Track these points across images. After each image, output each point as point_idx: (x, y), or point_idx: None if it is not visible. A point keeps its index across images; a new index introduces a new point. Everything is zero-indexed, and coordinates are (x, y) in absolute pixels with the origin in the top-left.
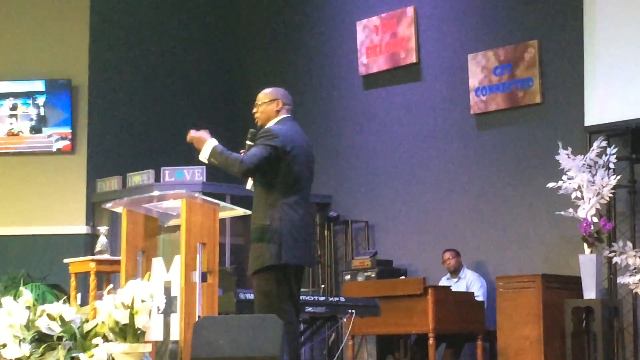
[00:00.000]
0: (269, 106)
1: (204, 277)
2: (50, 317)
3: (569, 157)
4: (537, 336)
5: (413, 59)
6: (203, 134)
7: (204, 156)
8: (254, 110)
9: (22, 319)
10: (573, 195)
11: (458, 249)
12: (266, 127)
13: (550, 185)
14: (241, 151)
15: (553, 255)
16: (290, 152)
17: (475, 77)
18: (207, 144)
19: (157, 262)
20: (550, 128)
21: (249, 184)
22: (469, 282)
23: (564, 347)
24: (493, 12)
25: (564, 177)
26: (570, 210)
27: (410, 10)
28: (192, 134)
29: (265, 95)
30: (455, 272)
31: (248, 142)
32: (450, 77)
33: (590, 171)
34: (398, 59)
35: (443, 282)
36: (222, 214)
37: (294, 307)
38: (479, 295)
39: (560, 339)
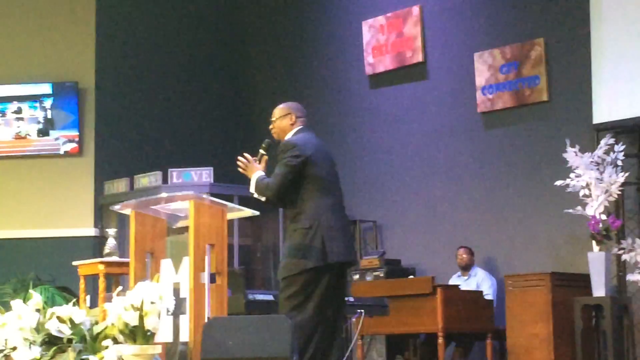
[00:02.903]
0: (284, 120)
1: (212, 278)
2: (60, 320)
3: (576, 155)
4: (547, 334)
5: (419, 58)
6: (254, 164)
7: (252, 189)
8: (270, 126)
9: (32, 322)
10: (581, 193)
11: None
12: (285, 141)
13: (559, 183)
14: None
15: (562, 253)
16: (311, 157)
17: (482, 75)
18: (254, 175)
19: (166, 264)
20: (558, 126)
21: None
22: (479, 281)
23: (574, 345)
24: (499, 10)
25: (572, 175)
26: (579, 208)
27: (416, 10)
28: (246, 163)
29: (279, 110)
30: (466, 269)
31: (261, 151)
32: (456, 75)
33: (598, 169)
34: (404, 58)
35: (454, 279)
36: (230, 215)
37: (336, 309)
38: (489, 294)
39: (570, 337)
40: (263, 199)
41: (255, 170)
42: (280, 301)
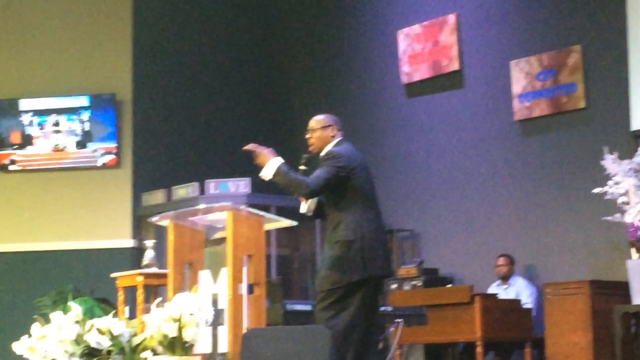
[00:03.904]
0: (324, 132)
1: (250, 289)
2: (100, 332)
3: (614, 162)
4: (586, 343)
5: (455, 66)
6: (269, 151)
7: (267, 174)
8: (308, 136)
9: (72, 334)
10: (620, 200)
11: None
12: (328, 150)
13: (597, 190)
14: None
15: (601, 261)
16: (355, 170)
17: (519, 83)
18: (272, 162)
19: (204, 275)
20: (595, 133)
21: (303, 207)
22: (519, 289)
23: (614, 353)
24: (535, 18)
25: (610, 182)
26: (617, 215)
27: (452, 18)
28: (257, 147)
29: (318, 121)
30: (505, 278)
31: (301, 167)
32: (493, 84)
33: (636, 175)
34: (440, 66)
35: (493, 288)
36: (268, 226)
37: (371, 321)
38: (528, 303)
39: (610, 345)
40: (280, 182)
41: (270, 156)
42: (316, 312)
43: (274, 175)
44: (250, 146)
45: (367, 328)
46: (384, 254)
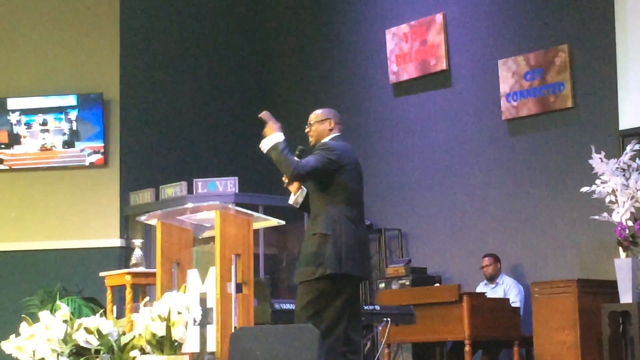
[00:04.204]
0: (322, 125)
1: (239, 288)
2: (88, 331)
3: (602, 161)
4: (574, 342)
5: (443, 65)
6: (278, 126)
7: (265, 146)
8: (307, 129)
9: (60, 333)
10: (607, 199)
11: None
12: (323, 142)
13: (584, 189)
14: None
15: (588, 260)
16: (346, 167)
17: (506, 82)
18: (274, 136)
19: (192, 274)
20: (583, 132)
21: (291, 198)
22: (507, 289)
23: (601, 352)
24: (522, 17)
25: (598, 181)
26: (605, 214)
27: (439, 17)
28: (270, 118)
29: (317, 115)
30: (492, 278)
31: (295, 159)
32: (480, 83)
33: (624, 175)
34: (428, 66)
35: (480, 287)
36: (256, 225)
37: (351, 321)
38: (516, 302)
39: (597, 344)
40: (272, 157)
41: (276, 130)
42: (296, 311)
43: (271, 148)
44: (264, 114)
45: (345, 331)
46: (362, 255)
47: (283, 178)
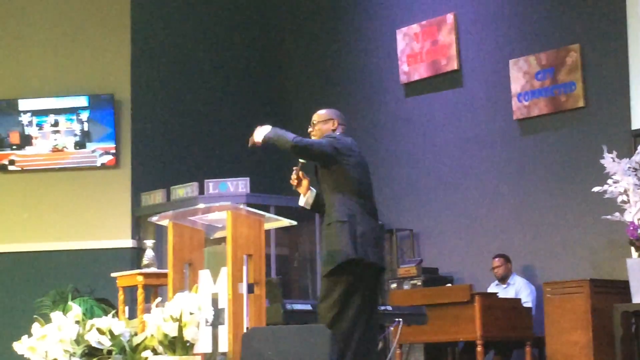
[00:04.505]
0: (325, 125)
1: (250, 289)
2: (100, 331)
3: (614, 161)
4: (586, 342)
5: (454, 65)
6: (258, 128)
7: (261, 132)
8: (310, 129)
9: (72, 334)
10: (619, 199)
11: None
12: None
13: (596, 189)
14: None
15: (600, 260)
16: (350, 158)
17: (517, 82)
18: (263, 127)
19: (204, 274)
20: (594, 132)
21: (302, 200)
22: (518, 289)
23: (614, 352)
24: (533, 17)
25: (610, 181)
26: (617, 214)
27: (450, 17)
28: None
29: (321, 115)
30: (504, 279)
31: (301, 160)
32: (491, 83)
33: (636, 174)
34: (439, 66)
35: (492, 288)
36: (267, 225)
37: (371, 319)
38: (528, 302)
39: (610, 344)
40: (271, 137)
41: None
42: (319, 311)
43: (268, 132)
44: (250, 142)
45: (367, 327)
46: (378, 245)
47: (291, 181)
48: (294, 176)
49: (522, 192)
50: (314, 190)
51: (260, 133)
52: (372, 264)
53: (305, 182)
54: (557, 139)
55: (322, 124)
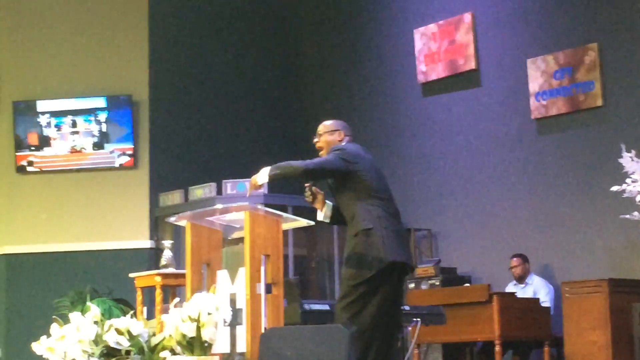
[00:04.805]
0: (332, 136)
1: (268, 289)
2: (118, 332)
3: (632, 160)
4: (605, 341)
5: (472, 65)
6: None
7: (263, 176)
8: (315, 140)
9: (91, 334)
10: (638, 198)
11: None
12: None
13: (615, 188)
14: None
15: (619, 260)
16: (359, 164)
17: (535, 81)
18: (263, 170)
19: (222, 275)
20: (613, 131)
21: (320, 215)
22: (536, 288)
23: (632, 351)
24: (551, 16)
25: (628, 180)
26: (636, 213)
27: (467, 17)
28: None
29: (326, 126)
30: (521, 278)
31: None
32: (509, 82)
33: None
34: (457, 65)
35: (510, 287)
36: (285, 226)
37: (393, 318)
38: (546, 301)
39: (629, 343)
40: (279, 172)
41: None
42: (336, 311)
43: (269, 172)
44: (251, 187)
45: (388, 326)
46: (404, 243)
47: (305, 198)
48: (307, 193)
49: (540, 191)
50: (330, 203)
51: (262, 176)
52: (401, 264)
53: (320, 197)
54: (575, 138)
55: (328, 134)
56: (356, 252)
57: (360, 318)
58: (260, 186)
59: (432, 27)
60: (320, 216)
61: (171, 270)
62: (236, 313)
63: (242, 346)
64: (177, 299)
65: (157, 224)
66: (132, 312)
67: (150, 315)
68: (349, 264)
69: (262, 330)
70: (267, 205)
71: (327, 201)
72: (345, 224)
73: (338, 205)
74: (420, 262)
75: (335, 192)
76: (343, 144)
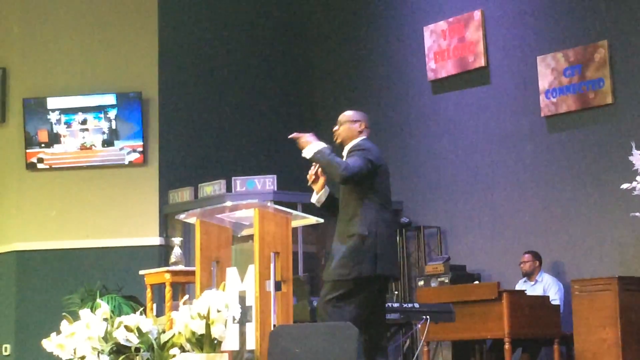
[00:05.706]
0: (353, 125)
1: (278, 286)
2: (128, 329)
3: None
4: (615, 339)
5: (481, 62)
6: (310, 137)
7: (309, 152)
8: (335, 128)
9: (100, 331)
10: None
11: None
12: (356, 142)
13: (625, 186)
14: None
15: (629, 257)
16: (380, 168)
17: (545, 79)
18: (315, 144)
19: (231, 272)
20: (623, 128)
21: (314, 197)
22: (546, 286)
23: None
24: (561, 13)
25: (638, 178)
26: None
27: (477, 14)
28: (298, 135)
29: (348, 115)
30: (530, 275)
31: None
32: (519, 79)
33: None
34: (466, 63)
35: (520, 285)
36: (295, 223)
37: (375, 318)
38: (556, 299)
39: (639, 341)
40: (320, 161)
41: (313, 139)
42: (319, 302)
43: (316, 152)
44: (293, 135)
45: (369, 325)
46: (394, 255)
47: (308, 176)
48: (312, 172)
49: (549, 189)
50: (328, 189)
51: (310, 150)
52: (386, 277)
53: (322, 180)
54: (585, 136)
55: (350, 123)
56: (348, 250)
57: (343, 313)
58: (300, 144)
59: (441, 25)
60: (314, 198)
61: (181, 267)
62: (245, 310)
63: (251, 343)
64: (186, 296)
65: (167, 221)
66: (141, 309)
67: (160, 313)
68: (339, 259)
69: (272, 328)
70: (276, 202)
71: (326, 186)
72: (334, 214)
73: (340, 197)
74: (430, 260)
75: (342, 186)
76: (367, 142)
